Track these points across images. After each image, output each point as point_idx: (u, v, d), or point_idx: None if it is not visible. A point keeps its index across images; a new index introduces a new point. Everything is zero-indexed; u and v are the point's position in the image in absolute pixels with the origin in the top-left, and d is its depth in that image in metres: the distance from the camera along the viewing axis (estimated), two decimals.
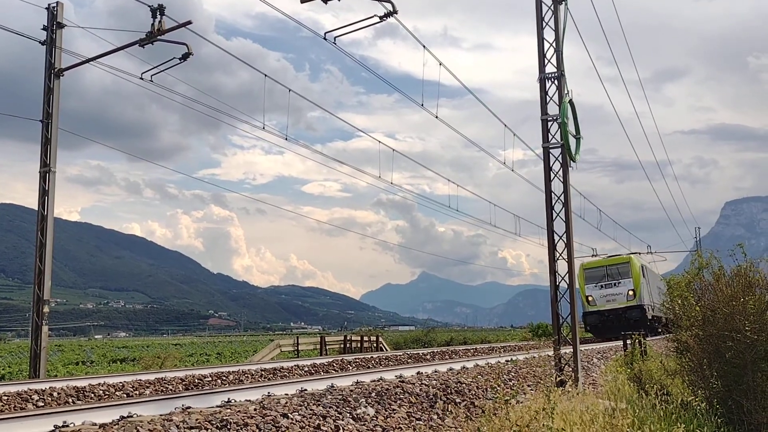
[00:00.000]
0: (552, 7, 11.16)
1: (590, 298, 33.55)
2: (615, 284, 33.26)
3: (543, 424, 6.45)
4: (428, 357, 19.53)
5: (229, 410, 6.42)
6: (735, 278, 8.82)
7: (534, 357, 10.24)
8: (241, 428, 5.87)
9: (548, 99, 11.19)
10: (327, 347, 28.08)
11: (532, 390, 9.45)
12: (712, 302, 8.66)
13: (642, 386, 9.72)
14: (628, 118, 25.56)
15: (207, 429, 5.73)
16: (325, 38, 13.44)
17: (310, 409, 6.81)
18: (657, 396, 7.93)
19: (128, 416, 6.33)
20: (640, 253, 43.27)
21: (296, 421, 6.37)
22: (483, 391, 9.18)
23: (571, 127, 11.11)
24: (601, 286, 33.46)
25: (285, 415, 6.40)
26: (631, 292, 32.75)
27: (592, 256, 40.98)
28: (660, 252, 54.90)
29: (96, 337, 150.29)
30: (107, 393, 10.42)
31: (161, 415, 6.18)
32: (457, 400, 8.50)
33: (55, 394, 9.73)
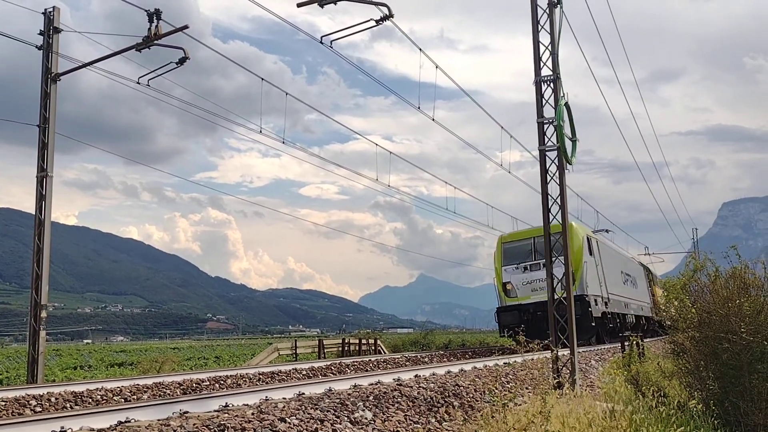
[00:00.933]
0: (547, 11, 11.21)
1: (509, 287, 22.75)
2: (545, 265, 24.20)
3: (541, 427, 6.47)
4: (426, 360, 19.53)
5: (226, 414, 6.43)
6: (731, 280, 8.86)
7: (532, 359, 10.26)
8: None
9: (544, 102, 11.23)
10: (325, 350, 28.08)
11: (530, 393, 9.47)
12: (708, 304, 8.70)
13: (639, 388, 9.75)
14: (625, 119, 25.63)
15: None
16: (321, 42, 13.49)
17: (308, 413, 6.82)
18: (654, 398, 7.96)
19: (126, 421, 6.34)
20: (608, 231, 33.55)
21: (294, 425, 6.38)
22: (481, 394, 9.19)
23: (567, 130, 11.15)
24: (525, 268, 22.71)
25: (283, 419, 6.41)
26: None
27: None
28: (657, 253, 55.03)
29: (86, 341, 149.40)
30: (105, 398, 10.42)
31: (159, 419, 6.18)
32: (455, 404, 8.52)
33: (53, 399, 9.72)
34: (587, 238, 23.57)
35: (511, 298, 22.64)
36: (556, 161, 11.18)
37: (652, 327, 34.59)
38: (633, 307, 29.50)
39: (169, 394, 11.15)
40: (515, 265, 22.79)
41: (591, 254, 23.13)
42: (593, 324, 21.50)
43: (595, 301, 22.33)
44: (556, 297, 19.40)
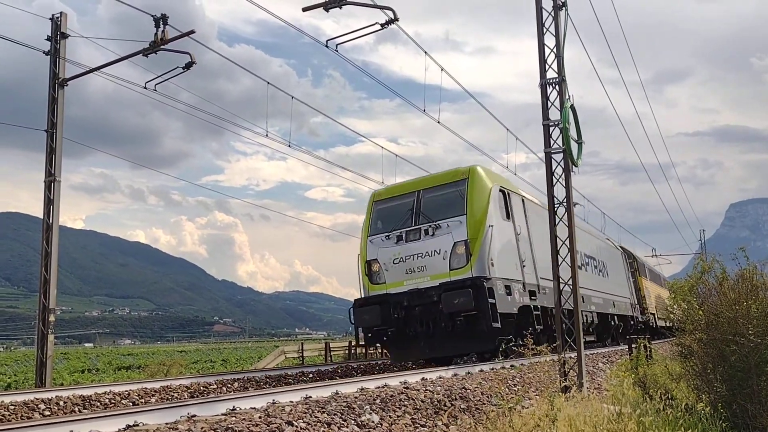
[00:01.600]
0: (552, 13, 11.21)
1: (375, 267, 15.08)
2: (428, 232, 14.57)
3: (548, 430, 6.47)
4: (432, 362, 19.51)
5: (234, 418, 6.45)
6: (739, 282, 8.84)
7: (538, 362, 10.25)
8: None
9: (549, 104, 11.22)
10: (331, 353, 28.11)
11: (537, 396, 9.46)
12: (715, 306, 8.68)
13: (646, 390, 9.72)
14: (631, 121, 25.56)
15: None
16: (327, 46, 13.54)
17: (315, 417, 6.84)
18: (661, 400, 7.94)
19: (134, 425, 6.36)
20: (576, 204, 23.45)
21: (301, 428, 6.39)
22: (487, 397, 9.19)
23: (573, 132, 11.14)
24: (399, 238, 14.86)
25: (290, 423, 6.43)
26: (460, 250, 14.07)
27: None
28: (665, 255, 54.81)
29: (86, 345, 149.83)
30: (113, 401, 10.46)
31: (167, 423, 6.21)
32: (462, 407, 8.52)
33: (61, 403, 9.77)
34: (501, 192, 15.10)
35: (377, 285, 14.87)
36: (562, 164, 11.17)
37: (635, 329, 28.35)
38: (597, 303, 21.76)
39: (176, 398, 11.19)
40: (385, 235, 14.90)
41: (508, 218, 15.14)
42: (499, 325, 13.46)
43: (507, 288, 14.29)
44: (442, 281, 13.69)
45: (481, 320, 13.53)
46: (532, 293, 15.61)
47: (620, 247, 31.08)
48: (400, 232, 14.93)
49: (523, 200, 16.63)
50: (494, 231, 14.14)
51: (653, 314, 32.60)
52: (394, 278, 14.82)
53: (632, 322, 28.17)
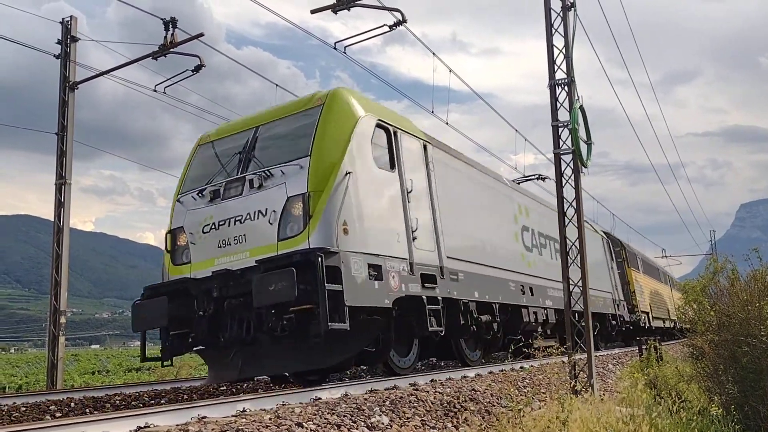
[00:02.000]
0: (561, 14, 11.18)
1: (180, 239, 9.66)
2: (254, 184, 9.14)
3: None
4: (441, 363, 19.51)
5: (244, 419, 6.46)
6: (751, 282, 8.79)
7: (548, 363, 10.22)
8: None
9: (558, 105, 11.18)
10: None
11: (547, 398, 9.43)
12: (727, 307, 8.64)
13: (658, 392, 9.68)
14: (640, 121, 25.44)
15: None
16: (335, 48, 13.57)
17: (325, 418, 6.84)
18: (674, 402, 7.91)
19: (145, 426, 6.38)
20: (543, 178, 20.43)
21: (311, 430, 6.40)
22: (497, 399, 9.17)
23: (582, 133, 11.09)
24: (214, 195, 9.47)
25: (300, 424, 6.43)
26: (296, 209, 8.53)
27: None
28: (675, 256, 54.50)
29: (93, 346, 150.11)
30: (124, 403, 10.52)
31: (177, 424, 6.22)
32: (472, 408, 8.50)
33: (72, 404, 9.83)
34: (383, 129, 10.24)
35: (180, 265, 9.92)
36: (571, 164, 11.13)
37: (618, 330, 23.36)
38: (555, 297, 16.16)
39: (186, 399, 11.23)
40: (198, 191, 9.96)
41: (392, 167, 10.24)
42: (346, 326, 8.50)
43: (375, 269, 9.22)
44: (262, 256, 8.61)
45: (313, 320, 8.62)
46: (427, 278, 10.74)
47: (603, 231, 25.88)
48: (216, 187, 9.80)
49: (424, 146, 11.47)
50: (355, 181, 9.24)
51: (646, 313, 27.94)
52: (202, 255, 9.70)
53: (615, 322, 22.89)
